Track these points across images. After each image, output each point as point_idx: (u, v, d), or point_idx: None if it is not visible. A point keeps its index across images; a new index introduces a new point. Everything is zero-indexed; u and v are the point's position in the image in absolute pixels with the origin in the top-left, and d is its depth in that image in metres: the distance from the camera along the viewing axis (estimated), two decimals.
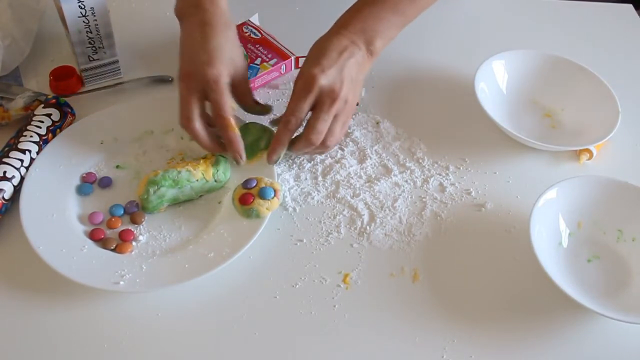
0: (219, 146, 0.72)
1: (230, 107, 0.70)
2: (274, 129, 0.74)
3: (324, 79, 0.69)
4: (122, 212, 0.72)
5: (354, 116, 0.84)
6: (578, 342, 0.65)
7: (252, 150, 0.75)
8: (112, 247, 0.68)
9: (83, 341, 0.62)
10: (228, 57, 0.70)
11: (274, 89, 0.88)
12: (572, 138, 0.82)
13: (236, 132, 0.71)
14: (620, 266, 0.70)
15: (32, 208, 0.69)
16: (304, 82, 0.70)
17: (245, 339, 0.63)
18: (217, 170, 0.73)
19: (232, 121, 0.70)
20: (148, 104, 0.81)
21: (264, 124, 0.77)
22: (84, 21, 0.79)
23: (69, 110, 0.79)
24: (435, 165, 0.80)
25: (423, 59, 0.94)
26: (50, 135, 0.76)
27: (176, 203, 0.72)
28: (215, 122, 0.71)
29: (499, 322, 0.66)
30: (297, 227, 0.73)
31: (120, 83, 0.86)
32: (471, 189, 0.78)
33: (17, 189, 0.71)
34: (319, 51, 0.71)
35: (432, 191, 0.77)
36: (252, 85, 0.71)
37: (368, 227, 0.73)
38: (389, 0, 0.74)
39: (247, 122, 0.77)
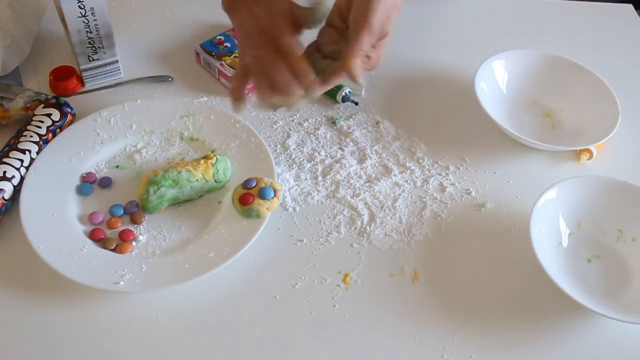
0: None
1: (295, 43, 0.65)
2: None
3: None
4: (122, 212, 0.72)
5: (353, 116, 0.84)
6: (578, 342, 0.65)
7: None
8: (112, 247, 0.68)
9: (83, 341, 0.62)
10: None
11: None
12: (572, 138, 0.82)
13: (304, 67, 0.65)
14: (620, 266, 0.70)
15: (32, 208, 0.69)
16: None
17: (245, 339, 0.63)
18: (217, 170, 0.73)
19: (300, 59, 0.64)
20: (148, 104, 0.81)
21: None
22: (83, 21, 0.79)
23: (69, 110, 0.79)
24: (435, 165, 0.80)
25: (423, 59, 0.94)
26: (50, 135, 0.76)
27: (176, 203, 0.72)
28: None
29: (499, 322, 0.66)
30: (297, 227, 0.73)
31: (120, 83, 0.86)
32: (471, 189, 0.78)
33: (17, 189, 0.71)
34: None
35: (432, 191, 0.77)
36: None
37: (368, 227, 0.73)
38: None
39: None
